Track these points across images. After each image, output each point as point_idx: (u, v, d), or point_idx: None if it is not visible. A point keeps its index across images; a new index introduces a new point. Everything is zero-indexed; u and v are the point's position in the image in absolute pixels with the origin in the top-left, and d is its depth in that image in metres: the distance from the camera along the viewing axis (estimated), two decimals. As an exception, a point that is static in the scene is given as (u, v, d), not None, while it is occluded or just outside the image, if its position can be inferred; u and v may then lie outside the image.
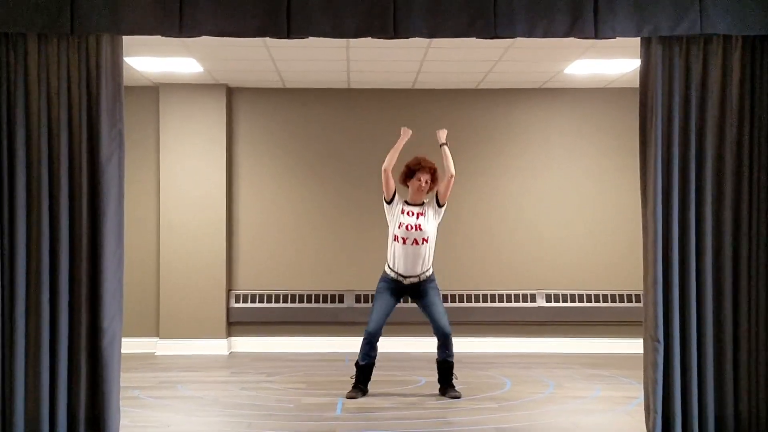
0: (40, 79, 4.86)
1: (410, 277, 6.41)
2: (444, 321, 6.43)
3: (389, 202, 6.47)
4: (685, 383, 4.89)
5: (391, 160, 6.40)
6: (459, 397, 6.38)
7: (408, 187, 6.52)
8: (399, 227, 6.37)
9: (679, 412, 4.86)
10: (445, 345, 6.44)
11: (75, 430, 4.86)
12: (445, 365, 6.50)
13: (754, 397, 4.90)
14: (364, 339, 6.46)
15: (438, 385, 6.57)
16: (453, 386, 6.49)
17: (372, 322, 6.43)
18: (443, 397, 6.43)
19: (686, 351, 4.89)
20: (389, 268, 6.47)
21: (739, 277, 4.92)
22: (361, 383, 6.49)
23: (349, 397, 6.39)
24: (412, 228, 6.36)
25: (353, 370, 6.61)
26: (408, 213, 6.41)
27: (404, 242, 6.35)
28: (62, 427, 4.83)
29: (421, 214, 6.42)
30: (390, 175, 6.41)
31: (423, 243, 6.37)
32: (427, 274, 6.47)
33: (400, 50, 7.55)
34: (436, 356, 6.55)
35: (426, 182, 6.39)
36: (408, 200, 6.50)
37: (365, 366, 6.49)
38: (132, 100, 8.63)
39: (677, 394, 4.86)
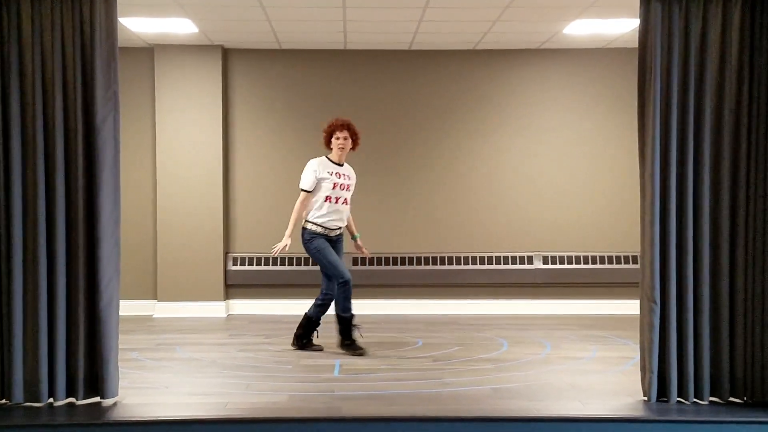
0: (34, 40, 4.82)
1: (336, 230, 6.74)
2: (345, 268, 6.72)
3: (313, 189, 6.69)
4: (681, 344, 4.91)
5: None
6: (363, 354, 6.59)
7: (332, 149, 6.81)
8: (333, 188, 6.66)
9: (674, 372, 4.89)
10: (345, 295, 6.64)
11: (74, 392, 4.89)
12: (344, 319, 6.73)
13: (749, 358, 4.93)
14: (346, 288, 6.62)
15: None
16: (354, 341, 6.72)
17: (345, 271, 6.64)
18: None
19: (682, 312, 4.90)
20: (317, 225, 6.67)
21: (736, 238, 4.92)
22: (352, 335, 6.74)
23: (359, 354, 6.59)
24: (345, 188, 6.74)
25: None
26: (337, 174, 6.72)
27: (337, 201, 6.69)
28: (61, 388, 4.86)
29: (346, 176, 6.82)
30: (305, 203, 6.72)
31: (347, 203, 6.79)
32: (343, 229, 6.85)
33: (397, 10, 7.48)
34: (335, 310, 6.75)
35: (345, 138, 6.75)
36: (332, 160, 6.78)
37: (352, 315, 6.74)
38: (127, 62, 8.57)
39: (673, 354, 4.89)
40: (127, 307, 8.07)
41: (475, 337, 7.56)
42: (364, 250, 7.05)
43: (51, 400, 4.88)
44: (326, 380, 5.71)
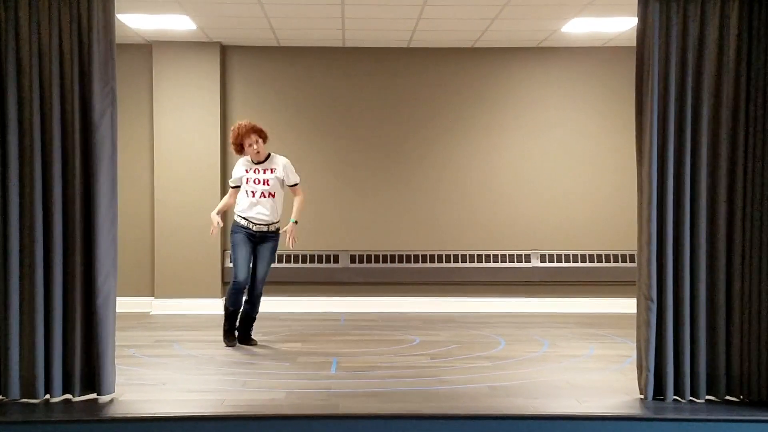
0: (32, 36, 4.81)
1: (259, 224, 6.76)
2: (262, 279, 6.81)
3: (237, 186, 6.89)
4: (678, 342, 4.91)
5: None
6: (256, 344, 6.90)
7: (248, 155, 6.83)
8: (247, 183, 6.79)
9: (671, 370, 4.89)
10: (251, 300, 6.85)
11: (70, 389, 4.89)
12: (249, 320, 6.92)
13: (746, 357, 4.93)
14: (234, 287, 6.77)
15: None
16: (231, 334, 6.92)
17: (241, 273, 6.73)
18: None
19: (679, 310, 4.91)
20: (240, 217, 6.80)
21: (733, 237, 4.92)
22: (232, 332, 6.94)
23: (231, 344, 6.85)
24: (259, 182, 6.75)
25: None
26: (255, 171, 6.80)
27: (253, 195, 6.75)
28: (57, 385, 4.85)
29: (268, 170, 6.80)
30: (234, 198, 6.93)
31: (270, 197, 6.76)
32: (276, 226, 6.83)
33: (395, 8, 7.48)
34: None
35: (256, 141, 6.73)
36: (253, 160, 6.83)
37: (234, 312, 6.88)
38: (125, 58, 8.57)
39: (669, 352, 4.89)
40: (124, 304, 8.08)
41: (472, 335, 7.57)
42: (290, 238, 6.80)
43: (47, 396, 4.87)
44: (323, 377, 5.71)
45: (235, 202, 6.89)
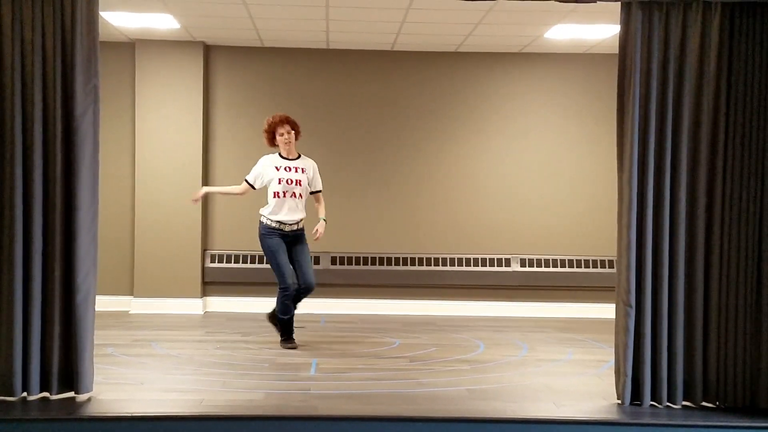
0: (14, 33, 4.79)
1: (290, 224, 6.69)
2: (312, 273, 6.75)
3: (257, 186, 6.83)
4: (656, 348, 4.95)
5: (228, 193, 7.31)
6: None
7: (278, 146, 6.80)
8: (279, 183, 6.67)
9: (648, 376, 4.93)
10: (305, 296, 6.77)
11: (48, 387, 4.86)
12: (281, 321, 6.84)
13: (722, 364, 4.98)
14: (285, 294, 6.68)
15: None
16: (288, 337, 6.87)
17: (288, 278, 6.66)
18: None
19: (657, 316, 4.95)
20: (269, 219, 6.69)
21: (712, 244, 4.97)
22: (291, 335, 6.88)
23: (292, 347, 6.75)
24: (292, 182, 6.69)
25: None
26: (286, 168, 6.72)
27: (284, 195, 6.66)
28: (35, 383, 4.82)
29: (300, 169, 6.77)
30: (243, 192, 6.92)
31: (300, 197, 6.73)
32: (303, 223, 6.80)
33: (380, 11, 7.49)
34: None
35: (288, 132, 6.73)
36: (282, 155, 6.79)
37: (290, 319, 6.84)
38: (108, 56, 8.53)
39: (647, 358, 4.93)
40: (104, 303, 8.04)
41: (452, 338, 7.58)
42: (318, 234, 6.78)
43: (25, 394, 4.84)
44: (303, 379, 5.71)
45: (239, 195, 6.97)
